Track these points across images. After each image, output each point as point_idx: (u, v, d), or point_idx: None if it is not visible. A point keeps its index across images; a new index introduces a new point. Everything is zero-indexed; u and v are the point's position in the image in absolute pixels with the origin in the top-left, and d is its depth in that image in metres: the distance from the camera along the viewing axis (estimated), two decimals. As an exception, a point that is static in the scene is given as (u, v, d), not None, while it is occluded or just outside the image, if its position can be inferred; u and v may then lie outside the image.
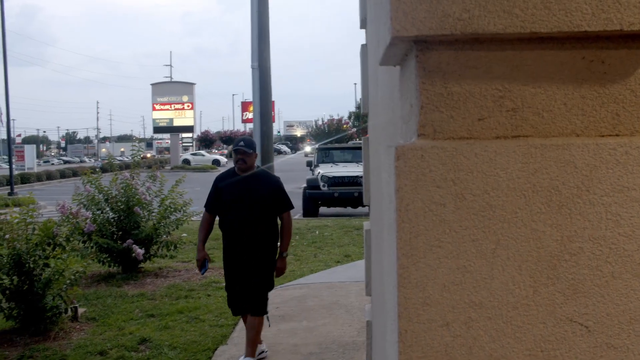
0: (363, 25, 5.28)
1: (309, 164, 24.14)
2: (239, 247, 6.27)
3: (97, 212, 10.72)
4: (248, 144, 6.27)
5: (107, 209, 10.80)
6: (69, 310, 7.92)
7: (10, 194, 30.65)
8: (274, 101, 18.62)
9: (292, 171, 37.15)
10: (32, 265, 7.60)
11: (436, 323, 1.31)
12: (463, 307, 1.30)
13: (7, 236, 7.79)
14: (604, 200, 1.28)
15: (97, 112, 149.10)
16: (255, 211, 6.18)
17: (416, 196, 1.28)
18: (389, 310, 1.48)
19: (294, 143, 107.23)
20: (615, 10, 1.26)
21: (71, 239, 8.63)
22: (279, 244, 6.47)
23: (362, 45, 5.18)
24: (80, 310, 8.21)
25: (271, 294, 9.27)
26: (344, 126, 58.96)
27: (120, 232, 10.62)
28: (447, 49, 1.30)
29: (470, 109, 1.31)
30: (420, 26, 1.26)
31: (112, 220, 10.74)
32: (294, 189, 26.63)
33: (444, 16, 1.26)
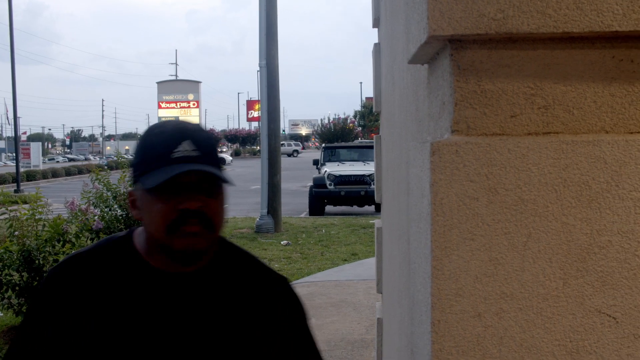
0: (376, 24, 5.33)
1: (316, 162, 24.22)
2: None
3: (106, 209, 10.76)
4: (208, 153, 1.65)
5: (116, 206, 10.84)
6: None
7: (16, 191, 30.77)
8: (279, 100, 18.69)
9: (298, 169, 37.26)
10: (42, 262, 7.65)
11: (468, 314, 1.35)
12: (495, 298, 1.34)
13: (16, 233, 7.84)
14: (633, 195, 1.32)
15: (102, 110, 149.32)
16: None
17: (450, 190, 1.32)
18: (419, 302, 1.52)
19: (299, 142, 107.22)
20: (645, 12, 1.30)
21: (80, 235, 8.68)
22: None
23: (375, 44, 5.22)
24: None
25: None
26: (350, 125, 58.93)
27: (128, 230, 10.65)
28: (481, 47, 1.34)
29: (503, 106, 1.34)
30: (456, 25, 1.30)
31: (120, 217, 10.78)
32: (299, 187, 26.73)
33: (479, 16, 1.30)
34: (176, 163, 1.58)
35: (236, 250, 1.86)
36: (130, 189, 1.69)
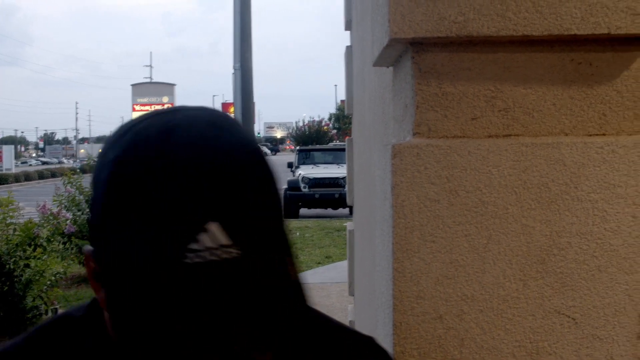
0: (348, 27, 5.33)
1: (290, 165, 24.24)
2: None
3: (78, 213, 10.69)
4: (254, 236, 0.80)
5: (88, 210, 10.76)
6: (49, 311, 7.90)
7: (-13, 194, 30.39)
8: (254, 102, 18.66)
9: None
10: (12, 266, 7.57)
11: (429, 315, 1.35)
12: (455, 300, 1.35)
13: (-14, 237, 7.76)
14: (591, 197, 1.33)
15: (76, 113, 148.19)
16: None
17: (411, 193, 1.32)
18: (381, 304, 1.52)
19: (274, 144, 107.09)
20: (603, 15, 1.31)
21: (52, 239, 8.61)
22: None
23: (347, 47, 5.23)
24: (61, 312, 8.17)
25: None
26: (325, 127, 59.00)
27: (102, 233, 10.58)
28: (442, 50, 1.35)
29: (464, 109, 1.35)
30: (417, 28, 1.31)
31: (93, 220, 10.69)
32: (275, 190, 26.61)
33: (440, 19, 1.31)
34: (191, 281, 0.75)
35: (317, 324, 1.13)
36: (87, 247, 0.90)
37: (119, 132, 0.87)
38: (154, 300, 0.74)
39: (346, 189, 5.55)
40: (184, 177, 0.75)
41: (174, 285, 0.73)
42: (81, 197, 10.70)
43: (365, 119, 3.21)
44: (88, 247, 0.89)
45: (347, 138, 5.64)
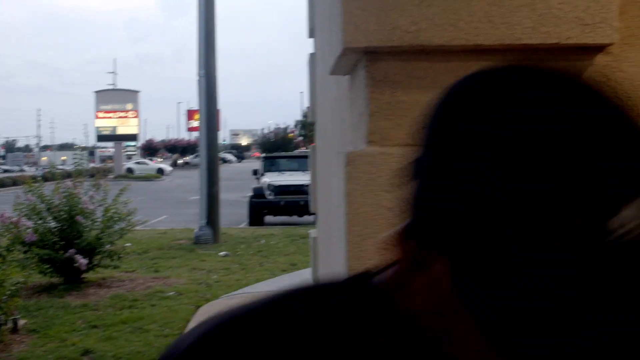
0: (311, 34, 5.34)
1: (255, 172, 24.20)
2: None
3: (39, 221, 10.54)
4: None
5: (49, 218, 10.63)
6: (9, 322, 7.77)
7: (-53, 202, 29.91)
8: (219, 109, 18.61)
9: (238, 180, 37.15)
10: (-29, 276, 7.45)
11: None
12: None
13: (-55, 246, 7.63)
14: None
15: (39, 120, 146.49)
16: None
17: (365, 200, 1.33)
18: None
19: (239, 151, 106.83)
20: (553, 25, 1.33)
21: (12, 248, 8.49)
22: None
23: (311, 54, 5.24)
24: (21, 322, 8.05)
25: (216, 304, 9.23)
26: (290, 135, 59.03)
27: (63, 242, 10.46)
28: (395, 59, 1.36)
29: (417, 118, 1.36)
30: (370, 38, 1.32)
31: (55, 229, 10.58)
32: (239, 198, 26.66)
33: (393, 28, 1.32)
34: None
35: None
36: (396, 230, 0.65)
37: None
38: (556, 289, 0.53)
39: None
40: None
41: (590, 270, 0.53)
42: (42, 205, 10.55)
43: (327, 126, 3.21)
44: (398, 227, 0.64)
45: (311, 145, 5.65)
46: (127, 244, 12.28)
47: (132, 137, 68.20)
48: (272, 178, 21.81)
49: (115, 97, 66.32)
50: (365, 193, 1.32)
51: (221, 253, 14.45)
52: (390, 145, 1.36)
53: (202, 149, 17.51)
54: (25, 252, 9.94)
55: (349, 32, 1.31)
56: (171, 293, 9.83)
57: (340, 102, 2.03)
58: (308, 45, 4.73)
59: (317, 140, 5.03)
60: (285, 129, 59.02)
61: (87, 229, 10.63)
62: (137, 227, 12.09)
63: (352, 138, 1.60)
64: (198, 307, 9.01)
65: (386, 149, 1.34)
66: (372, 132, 1.35)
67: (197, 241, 16.15)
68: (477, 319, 0.56)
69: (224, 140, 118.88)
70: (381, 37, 1.32)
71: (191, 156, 79.72)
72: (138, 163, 68.44)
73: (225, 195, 21.35)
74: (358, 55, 1.40)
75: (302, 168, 22.90)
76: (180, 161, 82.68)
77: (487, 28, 1.33)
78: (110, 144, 73.95)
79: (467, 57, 1.37)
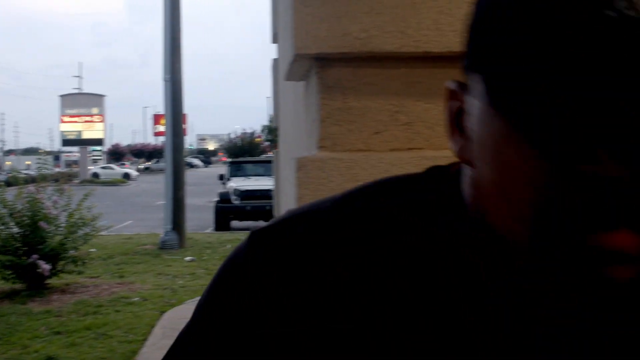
0: (275, 40, 5.35)
1: (222, 177, 24.14)
2: None
3: (1, 227, 10.41)
4: None
5: (12, 223, 10.50)
6: (-30, 328, 7.67)
7: None
8: (186, 114, 18.55)
9: (204, 184, 37.03)
10: None
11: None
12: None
13: None
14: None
15: (2, 124, 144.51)
16: None
17: (316, 205, 1.34)
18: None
19: (206, 156, 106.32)
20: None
21: (-27, 254, 8.38)
22: None
23: (274, 60, 5.25)
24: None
25: (181, 309, 9.18)
26: (257, 139, 58.93)
27: (26, 248, 10.33)
28: (346, 66, 1.38)
29: (368, 123, 1.38)
30: (321, 44, 1.33)
31: (17, 235, 10.45)
32: (206, 202, 26.55)
33: (344, 35, 1.34)
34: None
35: None
36: (451, 83, 0.62)
37: None
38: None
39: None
40: None
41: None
42: (4, 210, 10.42)
43: (288, 131, 3.23)
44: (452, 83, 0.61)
45: (275, 150, 5.66)
46: (92, 250, 12.19)
47: (98, 142, 67.62)
48: (238, 183, 21.76)
49: (81, 101, 65.68)
50: (316, 198, 1.33)
51: (187, 258, 14.38)
52: (340, 150, 1.37)
53: (167, 154, 17.42)
54: (-13, 258, 9.81)
55: (300, 38, 1.33)
56: (136, 299, 9.76)
57: (297, 108, 2.05)
58: (273, 51, 4.75)
59: (280, 145, 5.05)
60: (252, 133, 58.84)
61: (51, 234, 10.52)
62: (102, 233, 12.00)
63: (307, 144, 1.62)
64: (163, 312, 8.95)
65: (337, 154, 1.36)
66: (323, 137, 1.37)
67: (163, 246, 16.05)
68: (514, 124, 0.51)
69: (191, 145, 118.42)
70: (332, 44, 1.33)
71: (153, 161, 79.23)
72: (104, 168, 67.83)
73: (191, 200, 21.24)
74: (310, 62, 1.41)
75: (268, 173, 22.87)
76: (140, 166, 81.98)
77: (436, 36, 1.35)
78: (75, 148, 73.17)
79: (417, 64, 1.39)
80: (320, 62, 1.37)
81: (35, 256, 9.93)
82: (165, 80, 17.46)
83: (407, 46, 1.35)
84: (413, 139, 1.39)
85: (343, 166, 1.34)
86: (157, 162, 73.72)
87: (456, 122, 0.61)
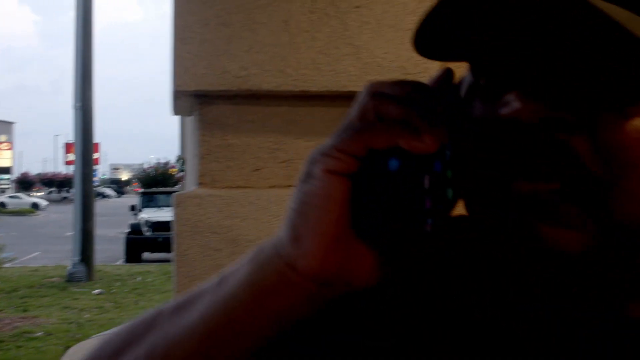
0: (181, 71, 5.37)
1: (133, 207, 23.72)
2: None
3: None
4: None
5: None
6: None
7: None
8: (98, 143, 18.25)
9: (116, 215, 36.31)
10: None
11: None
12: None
13: None
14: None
15: None
16: None
17: (194, 242, 1.34)
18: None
19: (120, 186, 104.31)
20: (377, 74, 1.40)
21: None
22: None
23: (180, 91, 5.25)
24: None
25: (86, 344, 8.92)
26: (171, 170, 58.21)
27: None
28: (226, 103, 1.39)
29: (247, 160, 1.39)
30: (199, 81, 1.34)
31: None
32: (117, 234, 26.03)
33: (223, 73, 1.35)
34: None
35: None
36: None
37: None
38: None
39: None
40: None
41: None
42: None
43: (190, 163, 3.22)
44: None
45: (182, 182, 5.61)
46: (-6, 282, 11.76)
47: (6, 170, 65.69)
48: (150, 214, 21.42)
49: (-12, 129, 63.83)
50: (194, 234, 1.33)
51: (95, 291, 14.03)
52: (219, 187, 1.38)
53: (77, 184, 17.04)
54: None
55: (179, 75, 1.34)
56: (39, 333, 9.46)
57: (191, 142, 2.05)
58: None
59: (186, 177, 5.02)
60: (166, 164, 58.13)
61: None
62: (7, 265, 11.60)
63: (192, 179, 1.62)
64: (67, 347, 8.67)
65: (215, 190, 1.36)
66: (202, 174, 1.37)
67: (70, 279, 15.62)
68: None
69: (104, 175, 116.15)
70: (211, 82, 1.35)
71: (69, 190, 77.42)
72: (12, 197, 65.75)
73: (102, 231, 20.78)
74: (191, 99, 1.42)
75: (181, 204, 22.62)
76: (56, 195, 79.80)
77: (314, 75, 1.38)
78: (-19, 177, 70.80)
79: (296, 102, 1.41)
80: (200, 99, 1.39)
81: None
82: (76, 108, 17.12)
83: (285, 85, 1.37)
84: (292, 176, 1.41)
85: (221, 203, 1.34)
86: (68, 191, 71.98)
87: None
